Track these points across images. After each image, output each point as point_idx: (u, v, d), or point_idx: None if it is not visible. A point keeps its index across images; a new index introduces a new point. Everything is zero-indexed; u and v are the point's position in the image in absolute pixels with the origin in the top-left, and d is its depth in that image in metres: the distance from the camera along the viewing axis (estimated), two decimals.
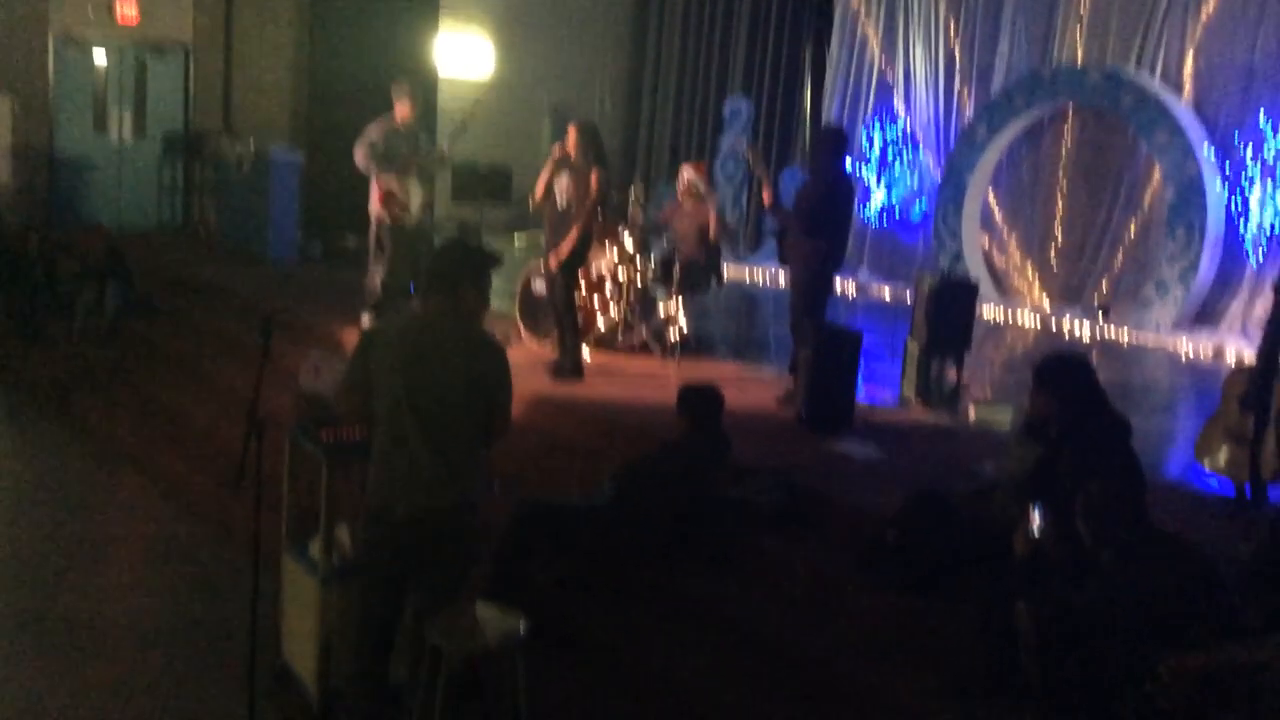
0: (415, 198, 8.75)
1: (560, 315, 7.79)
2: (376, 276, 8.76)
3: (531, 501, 5.41)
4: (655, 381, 7.70)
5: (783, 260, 7.66)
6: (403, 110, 8.69)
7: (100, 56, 13.71)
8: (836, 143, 7.54)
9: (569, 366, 7.70)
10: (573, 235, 7.56)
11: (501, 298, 9.67)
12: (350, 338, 8.22)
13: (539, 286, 8.43)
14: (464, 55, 15.46)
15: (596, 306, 8.60)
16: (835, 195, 7.29)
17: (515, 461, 6.47)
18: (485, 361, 4.01)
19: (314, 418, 4.94)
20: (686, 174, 9.35)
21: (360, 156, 8.56)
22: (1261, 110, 10.61)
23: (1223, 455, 5.62)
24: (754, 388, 7.56)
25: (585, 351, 8.05)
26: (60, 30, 13.26)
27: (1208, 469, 5.75)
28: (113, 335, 10.25)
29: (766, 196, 7.58)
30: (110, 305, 10.30)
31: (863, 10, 14.12)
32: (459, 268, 4.01)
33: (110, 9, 13.42)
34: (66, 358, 9.99)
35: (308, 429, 4.83)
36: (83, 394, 9.21)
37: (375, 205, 8.68)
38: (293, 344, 7.93)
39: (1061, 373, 4.67)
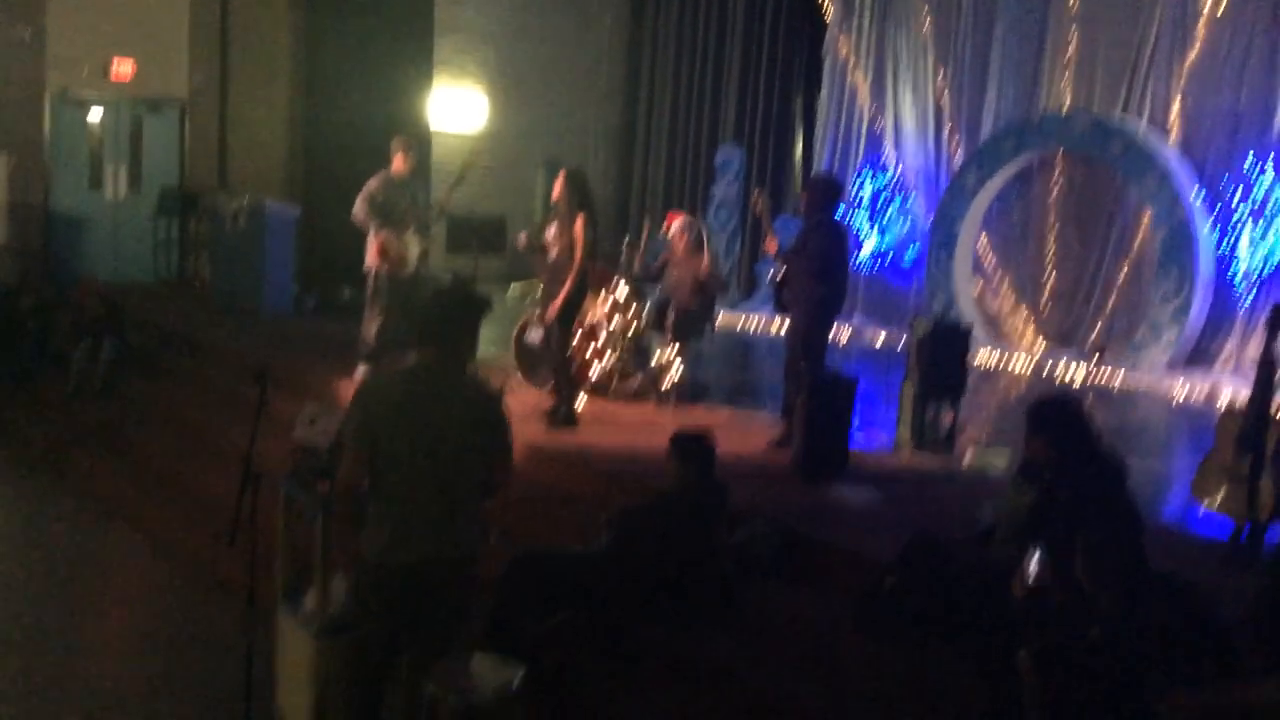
0: (412, 249, 8.83)
1: (556, 364, 7.80)
2: (372, 326, 8.81)
3: (527, 551, 5.38)
4: (651, 429, 7.67)
5: (781, 308, 7.69)
6: (400, 164, 8.80)
7: (96, 114, 13.82)
8: (832, 191, 7.60)
9: (564, 415, 7.70)
10: (567, 285, 7.59)
11: (498, 346, 9.71)
12: (345, 389, 8.22)
13: (534, 335, 8.45)
14: (458, 109, 15.62)
15: (591, 354, 8.62)
16: (838, 241, 7.37)
17: (511, 510, 6.44)
18: (484, 411, 4.02)
19: (309, 469, 4.92)
20: (675, 222, 9.44)
21: (359, 210, 8.64)
22: (1250, 153, 10.72)
23: (1220, 495, 5.61)
24: (749, 434, 7.56)
25: (580, 399, 8.06)
26: (57, 88, 13.38)
27: (1205, 509, 5.75)
28: (108, 390, 10.23)
29: (772, 244, 7.63)
30: (105, 360, 10.29)
31: (851, 60, 14.29)
32: (454, 317, 4.02)
33: (106, 67, 13.55)
34: (61, 413, 9.97)
35: (302, 481, 4.81)
36: (77, 449, 9.18)
37: (373, 257, 8.75)
38: (288, 396, 7.92)
39: (1055, 415, 4.67)
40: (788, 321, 7.57)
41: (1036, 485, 4.60)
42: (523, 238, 8.21)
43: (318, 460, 5.10)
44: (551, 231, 7.74)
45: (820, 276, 7.20)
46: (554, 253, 7.69)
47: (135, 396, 10.14)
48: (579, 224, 7.57)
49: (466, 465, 3.97)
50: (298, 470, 4.99)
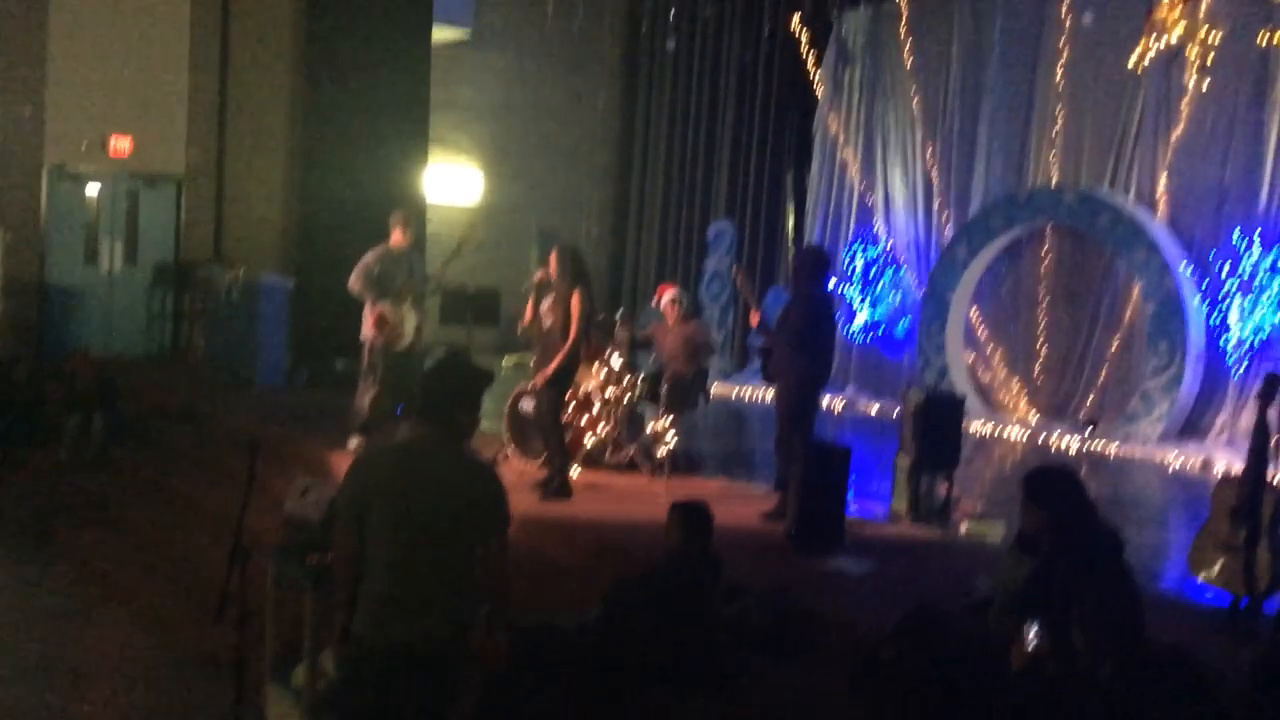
0: (409, 321, 8.87)
1: (548, 434, 7.79)
2: (366, 397, 8.80)
3: (519, 626, 5.31)
4: (644, 499, 7.66)
5: (768, 378, 7.73)
6: (398, 237, 8.89)
7: (93, 189, 13.92)
8: (819, 263, 7.67)
9: (557, 485, 7.67)
10: (560, 355, 7.62)
11: (490, 418, 9.68)
12: (337, 461, 8.19)
13: (527, 406, 8.45)
14: (454, 183, 15.79)
15: (585, 425, 8.61)
16: (819, 313, 7.40)
17: (512, 590, 6.39)
18: (482, 486, 3.91)
19: (299, 542, 4.88)
20: (666, 294, 9.50)
21: (355, 282, 8.69)
22: (1237, 228, 10.83)
23: (1216, 567, 5.59)
24: (742, 504, 7.53)
25: (574, 470, 8.03)
26: (55, 164, 13.49)
27: (1202, 581, 5.71)
28: (100, 463, 10.17)
29: (754, 317, 7.68)
30: (97, 433, 10.26)
31: (841, 136, 14.51)
32: (453, 389, 3.94)
33: (105, 143, 13.68)
34: (52, 485, 9.90)
35: (292, 554, 4.77)
36: (66, 521, 9.10)
37: (369, 328, 8.77)
38: (280, 468, 7.89)
39: (1050, 485, 4.66)
40: (775, 391, 7.58)
41: (1033, 555, 4.57)
42: (527, 316, 8.08)
43: (308, 533, 5.05)
44: (546, 305, 7.79)
45: (802, 349, 7.22)
46: (548, 324, 7.73)
47: (127, 469, 10.08)
48: (575, 298, 7.62)
49: (464, 541, 3.85)
50: (288, 543, 4.95)
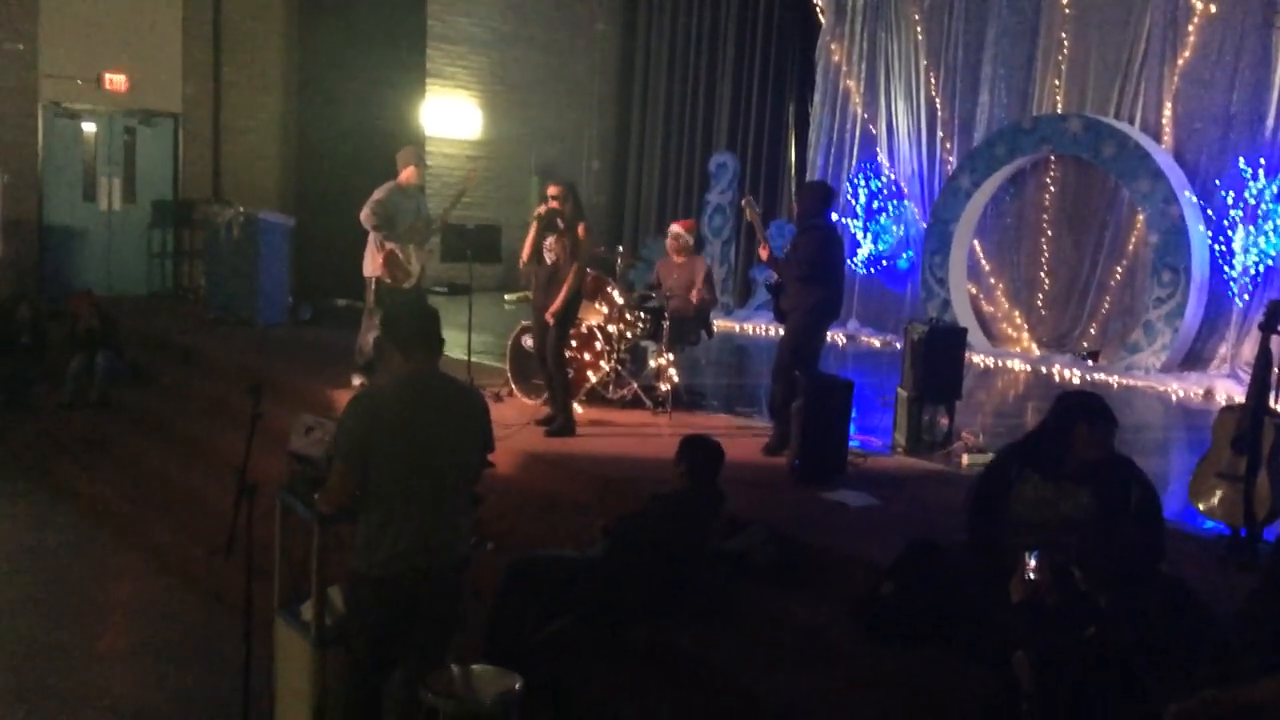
0: (415, 261, 8.84)
1: (552, 371, 7.80)
2: (370, 335, 8.80)
3: (524, 558, 5.37)
4: (647, 435, 7.70)
5: (779, 316, 7.69)
6: (408, 174, 8.84)
7: (90, 126, 13.81)
8: (824, 196, 7.62)
9: (561, 422, 7.69)
10: (565, 290, 7.59)
11: (492, 355, 9.70)
12: (341, 399, 8.20)
13: (529, 343, 8.44)
14: (452, 117, 15.64)
15: (587, 361, 8.61)
16: (828, 246, 7.37)
17: (508, 519, 6.44)
18: (469, 405, 4.13)
19: (305, 479, 4.90)
20: (676, 229, 9.43)
21: (367, 216, 8.62)
22: (1241, 156, 10.73)
23: (1216, 498, 5.61)
24: (745, 439, 7.55)
25: (577, 406, 8.05)
26: (49, 101, 13.37)
27: (1201, 512, 5.74)
28: (102, 402, 10.22)
29: (764, 251, 7.65)
30: (100, 372, 10.29)
31: (844, 65, 14.32)
32: (428, 322, 4.06)
33: (99, 79, 13.54)
34: (56, 426, 9.95)
35: (298, 491, 4.80)
36: (72, 462, 9.16)
37: (376, 265, 8.72)
38: (284, 406, 7.90)
39: (1101, 408, 4.62)
40: (786, 325, 7.57)
41: (1079, 484, 4.50)
42: (527, 246, 7.98)
43: (314, 470, 5.07)
44: (548, 241, 7.74)
45: (812, 281, 7.20)
46: (551, 259, 7.69)
47: (130, 408, 10.12)
48: (580, 231, 7.58)
49: (466, 471, 4.06)
50: (293, 481, 4.97)
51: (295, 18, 13.90)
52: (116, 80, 13.64)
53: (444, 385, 4.07)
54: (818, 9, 14.63)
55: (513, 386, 8.71)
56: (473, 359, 9.01)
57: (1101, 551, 4.12)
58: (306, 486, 4.76)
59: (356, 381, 8.75)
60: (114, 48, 13.55)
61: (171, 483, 8.36)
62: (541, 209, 7.77)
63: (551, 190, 7.75)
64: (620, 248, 10.13)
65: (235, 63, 14.32)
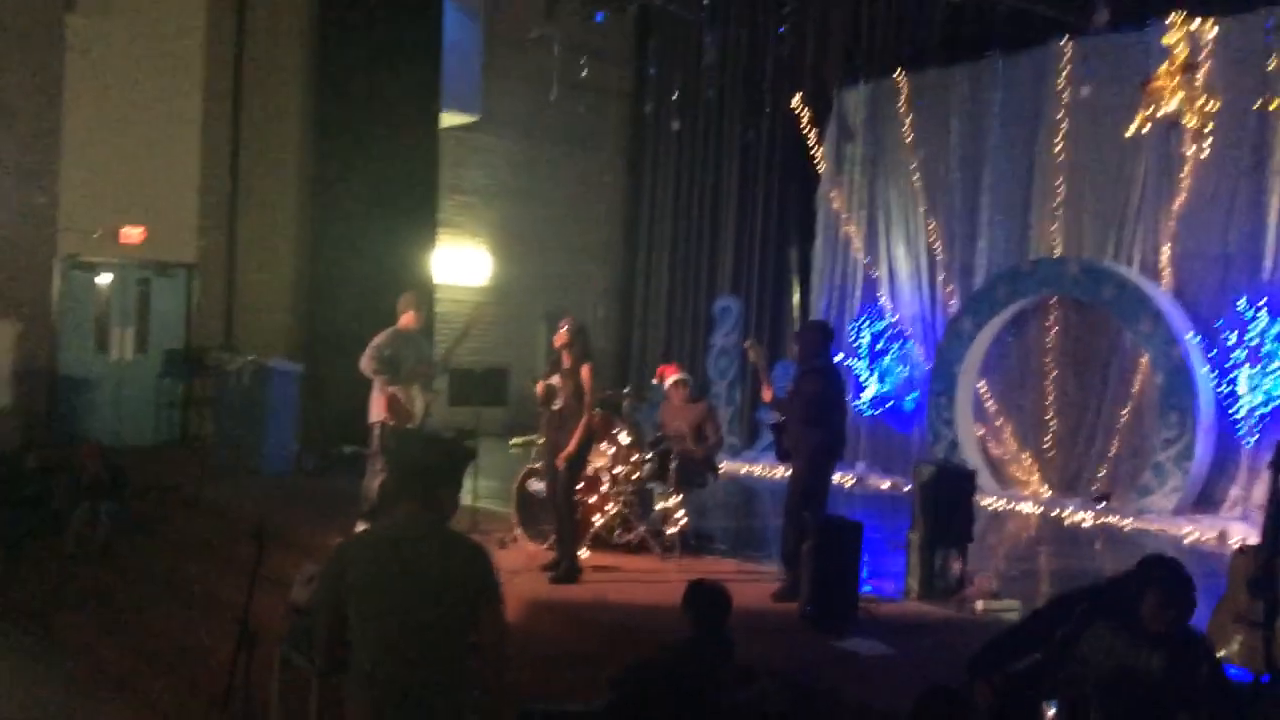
0: (418, 403, 8.87)
1: (561, 515, 7.73)
2: (375, 481, 8.75)
3: (527, 712, 5.23)
4: (654, 581, 7.59)
5: (782, 457, 7.68)
6: (408, 319, 8.93)
7: (105, 278, 14.06)
8: (824, 336, 7.69)
9: (567, 569, 7.60)
10: (578, 432, 7.58)
11: (499, 499, 9.64)
12: None
13: (536, 486, 8.40)
14: (462, 264, 15.92)
15: (593, 504, 8.55)
16: (830, 386, 7.40)
17: (511, 670, 6.30)
18: (469, 566, 3.70)
19: (306, 631, 4.83)
20: (671, 375, 9.50)
21: (366, 364, 8.69)
22: (1242, 297, 10.82)
23: (1236, 643, 5.49)
24: (754, 584, 7.45)
25: (582, 551, 7.96)
26: (67, 254, 13.64)
27: (1221, 658, 5.60)
28: (106, 553, 10.13)
29: (767, 393, 7.66)
30: (104, 523, 10.22)
31: (844, 212, 14.63)
32: (435, 467, 3.76)
33: (116, 232, 13.84)
34: (58, 576, 9.84)
35: (298, 643, 4.72)
36: (71, 614, 9.02)
37: (378, 411, 8.75)
38: (287, 555, 7.84)
39: (1182, 578, 4.46)
40: (791, 467, 7.54)
41: (1150, 647, 4.33)
42: (540, 387, 8.06)
43: (310, 620, 5.01)
44: (556, 381, 7.78)
45: (815, 422, 7.21)
46: (559, 402, 7.71)
47: (133, 559, 10.02)
48: (585, 372, 7.62)
49: (448, 630, 3.63)
50: (293, 632, 4.90)
51: (310, 171, 14.28)
52: (133, 233, 13.93)
53: (433, 537, 3.68)
54: (817, 159, 15.01)
55: (518, 532, 8.63)
56: (478, 504, 8.95)
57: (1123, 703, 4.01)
58: (306, 637, 4.68)
59: (360, 529, 8.68)
60: (131, 201, 13.88)
61: (172, 634, 8.21)
62: (540, 387, 7.80)
63: (561, 325, 7.82)
64: (627, 389, 10.17)
65: (250, 215, 14.64)
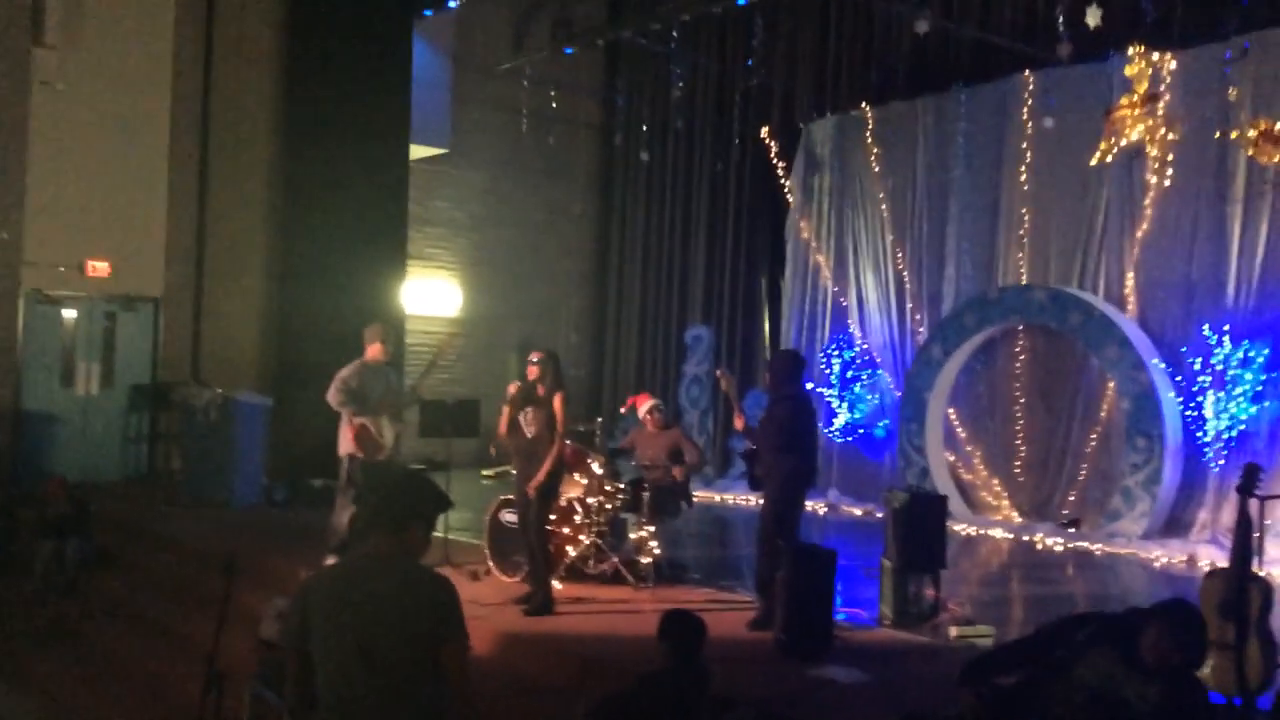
0: (387, 435, 8.81)
1: (533, 547, 7.69)
2: (344, 514, 8.66)
3: None
4: (629, 611, 7.55)
5: (754, 485, 7.69)
6: (375, 351, 8.86)
7: (70, 312, 13.93)
8: (795, 364, 7.71)
9: (540, 600, 7.55)
10: (548, 462, 7.56)
11: (470, 531, 9.59)
12: None
13: (508, 518, 8.36)
14: (432, 295, 15.89)
15: (567, 535, 8.51)
16: (802, 414, 7.42)
17: (484, 704, 6.24)
18: (431, 601, 3.58)
19: (275, 666, 4.78)
20: (645, 403, 9.52)
21: (333, 396, 8.62)
22: (1206, 323, 10.95)
23: (1208, 667, 5.51)
24: (729, 613, 7.42)
25: (556, 583, 7.92)
26: (31, 288, 13.50)
27: None
28: (72, 590, 9.98)
29: (739, 421, 7.68)
30: (70, 559, 10.08)
31: (813, 241, 14.74)
32: (411, 504, 3.69)
33: (82, 266, 13.72)
34: (24, 613, 9.69)
35: (269, 678, 4.66)
36: (37, 653, 8.88)
37: (347, 444, 8.69)
38: (256, 589, 7.76)
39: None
40: (764, 495, 7.55)
41: (1147, 678, 4.32)
42: (513, 386, 7.95)
43: (279, 656, 4.96)
44: (527, 415, 7.76)
45: (787, 449, 7.23)
46: (531, 432, 7.69)
47: (100, 595, 9.88)
48: (558, 402, 7.61)
49: (409, 666, 3.52)
50: (264, 667, 4.84)
51: (278, 203, 14.23)
52: (99, 267, 13.82)
53: (396, 571, 3.58)
54: (785, 189, 15.13)
55: (490, 564, 8.58)
56: (450, 536, 8.90)
57: None
58: (277, 673, 4.63)
59: (329, 562, 8.60)
60: (98, 235, 13.78)
61: (141, 671, 8.10)
62: (513, 387, 7.80)
63: (533, 357, 7.81)
64: (599, 419, 10.17)
65: (217, 248, 14.55)
